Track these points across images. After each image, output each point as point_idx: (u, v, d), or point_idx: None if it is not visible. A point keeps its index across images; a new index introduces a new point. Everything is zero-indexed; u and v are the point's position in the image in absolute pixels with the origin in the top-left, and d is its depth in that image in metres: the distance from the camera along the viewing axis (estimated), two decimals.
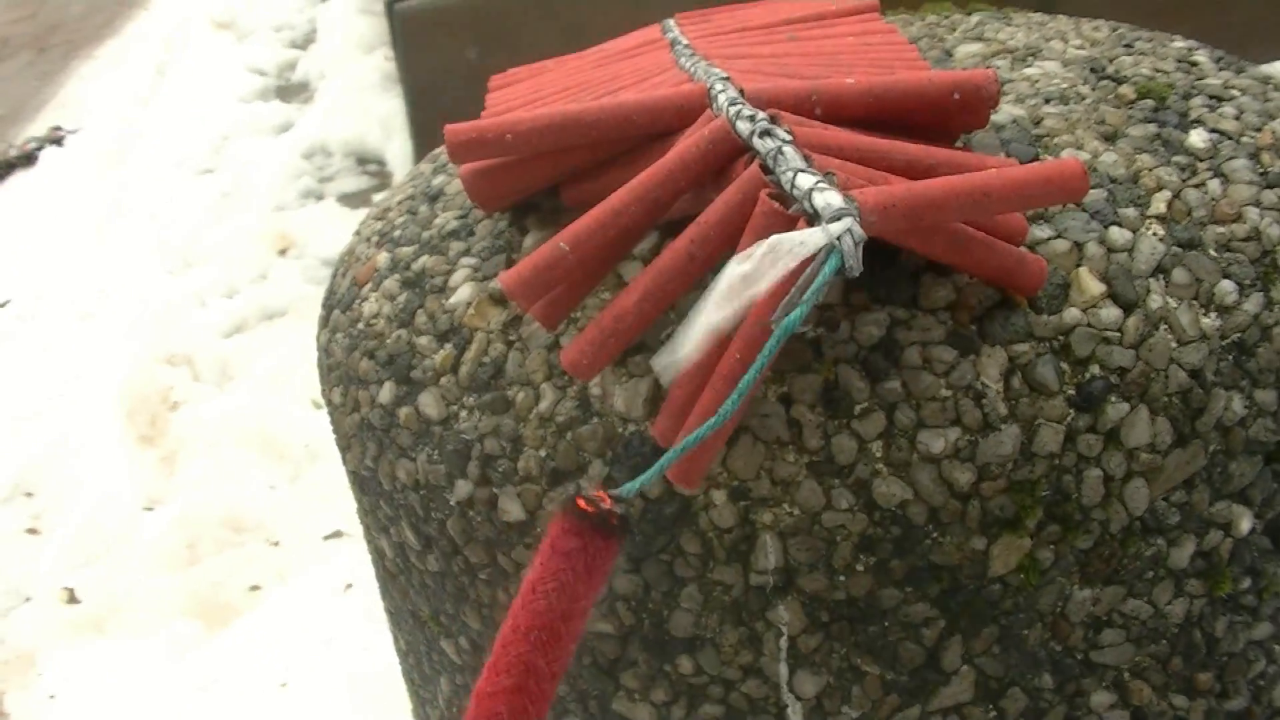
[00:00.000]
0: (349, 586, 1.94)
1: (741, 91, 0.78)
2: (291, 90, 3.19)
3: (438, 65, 1.98)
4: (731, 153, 0.75)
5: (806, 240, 0.62)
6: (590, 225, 0.74)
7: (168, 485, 2.26)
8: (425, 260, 0.91)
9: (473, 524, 0.84)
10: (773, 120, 0.73)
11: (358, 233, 1.04)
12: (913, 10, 1.13)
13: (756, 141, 0.72)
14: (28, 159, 3.50)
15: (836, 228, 0.62)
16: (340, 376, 0.93)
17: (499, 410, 0.82)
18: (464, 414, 0.83)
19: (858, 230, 0.62)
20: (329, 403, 0.96)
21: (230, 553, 2.09)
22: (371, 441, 0.89)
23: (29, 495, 2.31)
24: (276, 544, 2.10)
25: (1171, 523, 0.78)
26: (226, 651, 1.91)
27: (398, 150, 2.85)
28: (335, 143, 2.94)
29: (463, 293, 0.87)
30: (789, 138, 0.71)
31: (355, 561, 1.95)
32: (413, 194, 1.01)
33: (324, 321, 0.99)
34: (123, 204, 3.08)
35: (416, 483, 0.86)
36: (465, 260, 0.89)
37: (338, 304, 0.97)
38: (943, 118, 0.81)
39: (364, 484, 0.93)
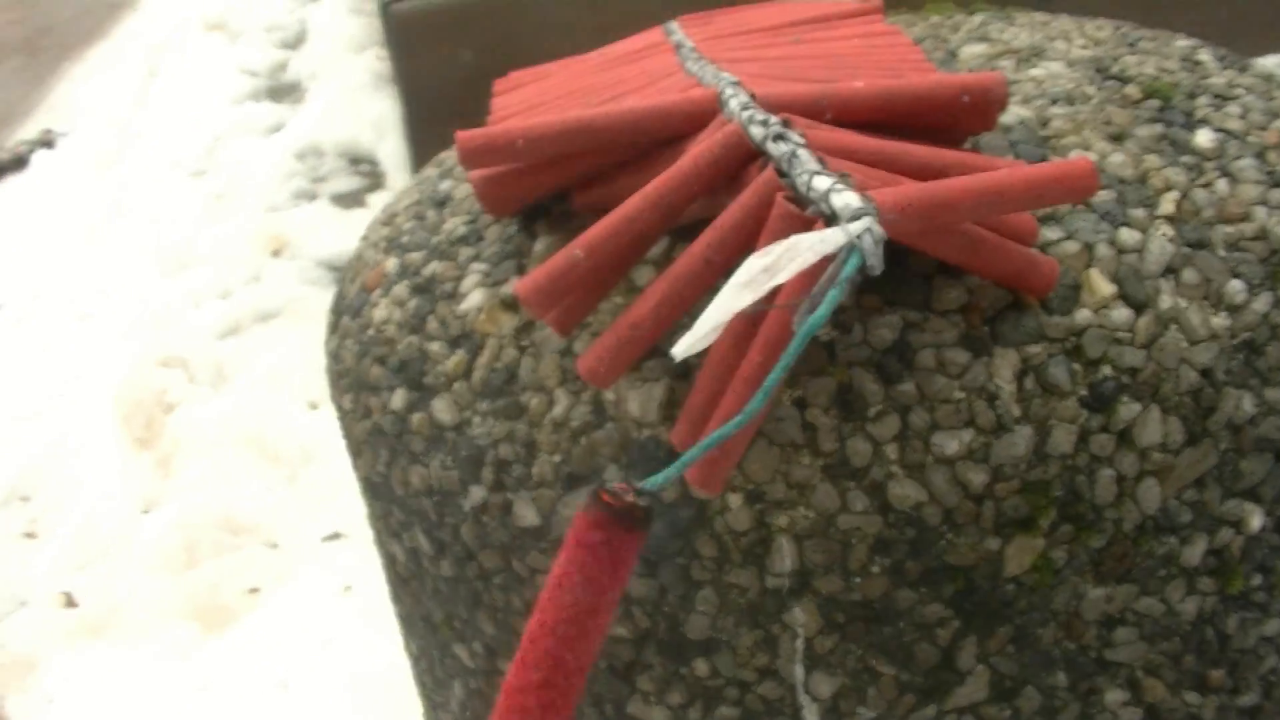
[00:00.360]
0: (348, 588, 1.94)
1: (753, 96, 0.78)
2: (283, 91, 3.19)
3: (432, 67, 1.98)
4: (744, 157, 0.75)
5: (826, 239, 0.62)
6: (604, 232, 0.74)
7: (164, 488, 2.25)
8: (435, 266, 0.91)
9: (487, 529, 0.84)
10: (785, 125, 0.74)
11: (365, 238, 1.04)
12: (915, 10, 1.13)
13: (770, 146, 0.72)
14: (19, 162, 3.49)
15: (856, 227, 0.63)
16: (351, 383, 0.93)
17: (512, 416, 0.82)
18: (477, 420, 0.83)
19: (877, 229, 0.63)
20: (339, 409, 0.96)
21: (228, 555, 2.08)
22: (384, 448, 0.89)
23: (25, 499, 2.31)
24: (275, 546, 2.10)
25: (1183, 521, 0.79)
26: (225, 654, 1.90)
27: (390, 151, 2.85)
28: (327, 143, 2.93)
29: (474, 298, 0.87)
30: (802, 141, 0.72)
31: (354, 563, 1.94)
32: (419, 199, 1.01)
33: (333, 327, 0.99)
34: (115, 206, 3.07)
35: (430, 488, 0.86)
36: (475, 265, 0.89)
37: (346, 310, 0.97)
38: (951, 120, 0.82)
39: (375, 490, 0.94)
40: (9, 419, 2.54)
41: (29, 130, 3.62)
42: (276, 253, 2.73)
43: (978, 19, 1.08)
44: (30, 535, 2.24)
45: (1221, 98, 0.91)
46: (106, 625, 2.02)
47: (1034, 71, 0.96)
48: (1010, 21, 1.06)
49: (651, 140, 0.82)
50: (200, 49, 3.46)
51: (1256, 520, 0.81)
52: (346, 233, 2.64)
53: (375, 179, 2.85)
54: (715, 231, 0.71)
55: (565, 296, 0.75)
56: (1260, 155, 0.86)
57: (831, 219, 0.65)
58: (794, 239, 0.62)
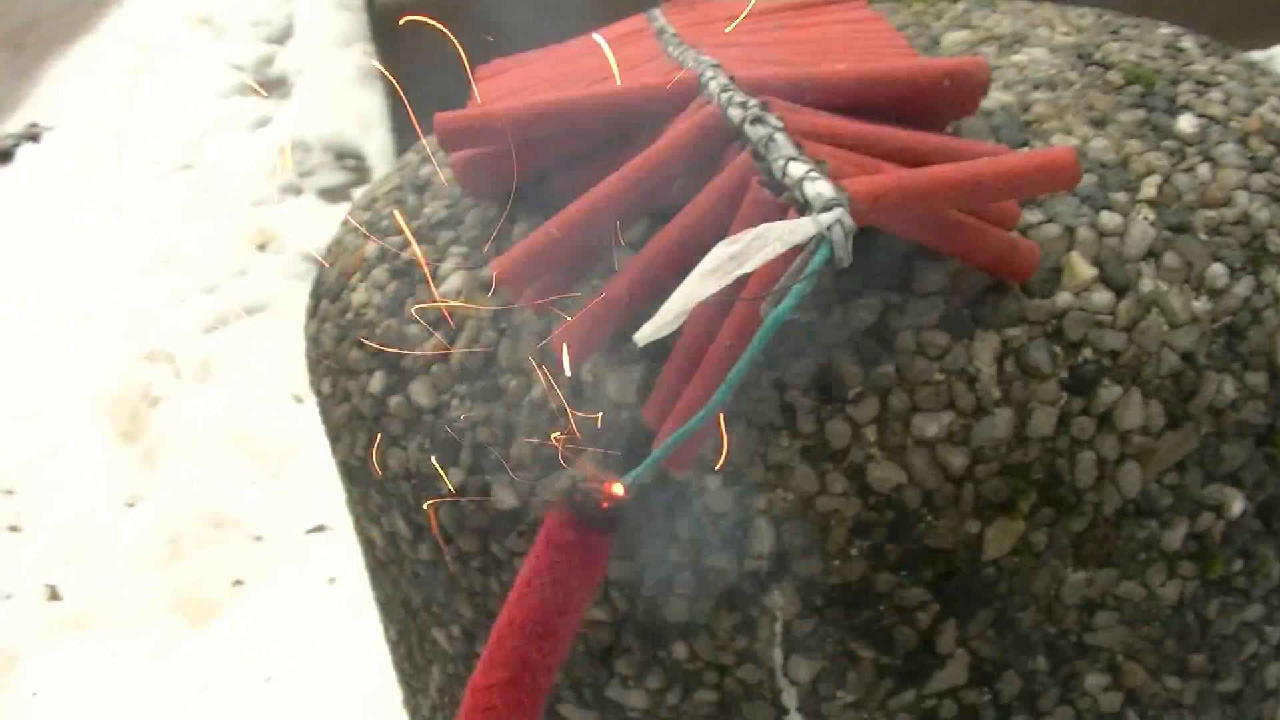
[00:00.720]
0: (332, 580, 1.94)
1: (732, 78, 0.78)
2: (269, 85, 3.18)
3: (418, 60, 1.97)
4: (722, 140, 0.75)
5: (796, 229, 0.62)
6: (582, 212, 0.74)
7: (149, 482, 2.25)
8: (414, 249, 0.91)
9: (465, 512, 0.84)
10: (764, 107, 0.73)
11: (345, 222, 1.04)
12: None
13: (748, 129, 0.72)
14: (4, 156, 3.48)
15: (827, 218, 0.62)
16: (329, 367, 0.92)
17: (491, 398, 0.82)
18: (455, 402, 0.83)
19: (848, 221, 0.62)
20: (318, 393, 0.96)
21: (212, 549, 2.08)
22: (362, 431, 0.89)
23: (10, 493, 2.30)
24: (259, 539, 2.09)
25: (1164, 505, 0.79)
26: (210, 647, 1.90)
27: (376, 145, 2.85)
28: (313, 137, 2.93)
29: (452, 281, 0.87)
30: (780, 125, 0.71)
31: (338, 555, 1.94)
32: (400, 184, 1.00)
33: (312, 311, 0.99)
34: (101, 201, 3.07)
35: (408, 472, 0.86)
36: (455, 249, 0.89)
37: (326, 294, 0.97)
38: (933, 104, 0.81)
39: (354, 474, 0.93)
40: None
41: (14, 124, 3.61)
42: (262, 247, 2.72)
43: (961, 6, 1.08)
44: (15, 529, 2.24)
45: (1204, 84, 0.91)
46: (91, 618, 2.02)
47: (1016, 58, 0.95)
48: (993, 8, 1.06)
49: (631, 123, 0.81)
50: (186, 44, 3.45)
51: (1237, 505, 0.81)
52: (332, 227, 2.63)
53: (361, 173, 2.84)
54: (690, 214, 0.71)
55: (540, 275, 0.75)
56: (1242, 141, 0.86)
57: (804, 207, 0.64)
58: (763, 227, 0.61)
